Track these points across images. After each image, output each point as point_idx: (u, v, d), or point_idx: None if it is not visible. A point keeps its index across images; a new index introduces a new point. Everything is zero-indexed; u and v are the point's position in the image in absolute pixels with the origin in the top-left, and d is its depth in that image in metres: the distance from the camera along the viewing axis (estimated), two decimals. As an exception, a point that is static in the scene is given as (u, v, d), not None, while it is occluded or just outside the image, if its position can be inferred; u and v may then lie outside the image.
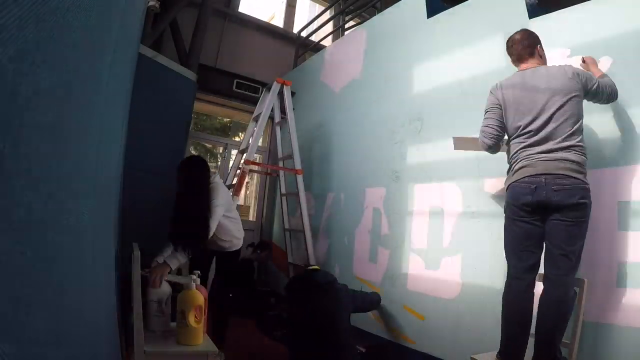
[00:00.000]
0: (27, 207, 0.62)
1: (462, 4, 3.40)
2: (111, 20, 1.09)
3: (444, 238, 3.17)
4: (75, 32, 0.76)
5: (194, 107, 5.01)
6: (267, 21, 7.41)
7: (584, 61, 2.41)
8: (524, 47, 2.35)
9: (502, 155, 2.85)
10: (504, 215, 2.33)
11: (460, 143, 2.77)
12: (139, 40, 3.08)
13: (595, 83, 2.19)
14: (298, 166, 4.36)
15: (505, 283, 2.30)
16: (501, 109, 2.32)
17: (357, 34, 4.73)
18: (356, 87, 4.45)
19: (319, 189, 4.75)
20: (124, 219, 2.76)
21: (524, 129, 2.22)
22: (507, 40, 2.44)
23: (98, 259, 1.26)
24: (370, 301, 3.25)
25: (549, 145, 2.14)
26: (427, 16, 3.68)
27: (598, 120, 2.42)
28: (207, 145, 8.76)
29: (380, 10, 4.93)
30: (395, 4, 4.14)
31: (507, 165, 2.80)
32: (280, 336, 3.53)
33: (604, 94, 2.21)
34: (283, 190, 4.91)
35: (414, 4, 3.84)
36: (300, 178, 4.34)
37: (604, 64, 2.43)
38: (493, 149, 2.39)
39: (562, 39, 2.63)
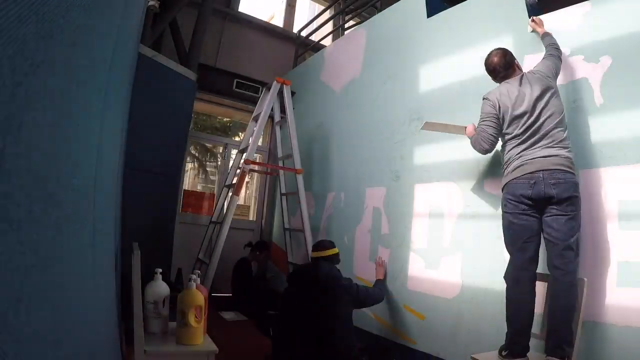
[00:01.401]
0: (27, 207, 0.62)
1: (462, 3, 3.40)
2: (111, 20, 1.09)
3: (444, 238, 3.17)
4: (75, 32, 0.76)
5: (194, 107, 5.01)
6: (267, 21, 7.41)
7: (533, 20, 2.75)
8: (506, 69, 2.55)
9: (499, 155, 2.86)
10: (503, 213, 2.43)
11: (430, 125, 3.00)
12: (139, 40, 3.08)
13: (551, 48, 2.57)
14: (298, 166, 4.36)
15: (510, 277, 2.37)
16: (497, 115, 2.46)
17: (357, 34, 4.73)
18: (356, 86, 4.45)
19: (319, 189, 4.75)
20: (124, 218, 2.76)
21: (518, 129, 2.37)
22: (486, 64, 2.63)
23: (98, 259, 1.26)
24: (374, 297, 3.23)
25: (542, 143, 2.30)
26: (427, 16, 3.68)
27: (599, 120, 2.42)
28: (207, 145, 8.76)
29: (380, 10, 4.94)
30: (395, 4, 4.14)
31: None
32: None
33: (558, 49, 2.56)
34: (283, 190, 4.91)
35: (414, 3, 3.83)
36: (300, 178, 4.34)
37: (604, 64, 2.43)
38: (489, 151, 2.57)
39: (561, 38, 2.63)
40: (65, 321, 0.85)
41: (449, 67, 3.40)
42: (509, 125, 2.42)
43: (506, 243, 2.43)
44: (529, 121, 2.34)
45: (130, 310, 1.93)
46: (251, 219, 6.42)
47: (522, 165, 2.32)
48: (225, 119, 7.75)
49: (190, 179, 9.76)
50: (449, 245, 3.13)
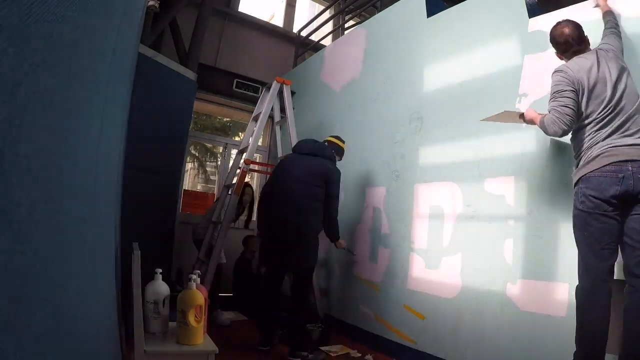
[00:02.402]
0: (27, 207, 0.62)
1: (462, 3, 3.40)
2: (111, 20, 1.09)
3: (444, 238, 3.17)
4: (75, 31, 0.76)
5: (194, 107, 5.01)
6: (267, 21, 7.41)
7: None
8: (579, 42, 2.24)
9: (501, 154, 2.86)
10: (577, 211, 2.10)
11: (498, 117, 2.52)
12: (139, 40, 3.08)
13: (613, 24, 2.28)
14: (298, 166, 4.35)
15: (585, 289, 2.05)
16: (576, 92, 2.10)
17: (357, 34, 4.73)
18: (356, 86, 4.45)
19: (319, 189, 4.74)
20: (124, 218, 2.76)
21: (599, 112, 2.05)
22: (555, 36, 2.30)
23: (98, 259, 1.26)
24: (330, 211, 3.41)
25: (626, 129, 2.00)
26: (427, 15, 3.68)
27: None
28: (207, 144, 8.76)
29: (380, 10, 4.93)
30: (395, 4, 4.14)
31: (509, 165, 2.81)
32: (281, 335, 3.53)
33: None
34: (283, 190, 4.90)
35: (414, 3, 3.84)
36: (300, 178, 4.33)
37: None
38: (567, 132, 2.13)
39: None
40: (66, 321, 0.85)
41: (449, 66, 3.40)
42: (587, 106, 2.08)
43: (581, 248, 2.09)
44: (611, 103, 2.02)
45: (130, 310, 1.93)
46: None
47: (604, 153, 1.99)
48: (225, 119, 7.74)
49: (191, 179, 9.77)
50: (449, 245, 3.13)
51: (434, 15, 3.63)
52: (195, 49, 4.99)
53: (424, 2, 3.73)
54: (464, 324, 2.92)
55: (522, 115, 2.36)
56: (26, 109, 0.59)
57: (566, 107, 2.07)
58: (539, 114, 2.25)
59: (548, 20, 2.75)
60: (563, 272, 2.44)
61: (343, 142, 3.77)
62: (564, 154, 2.54)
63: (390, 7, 4.24)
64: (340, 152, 3.72)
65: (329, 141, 3.69)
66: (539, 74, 2.72)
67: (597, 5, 2.46)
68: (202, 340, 2.05)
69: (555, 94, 2.13)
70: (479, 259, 2.91)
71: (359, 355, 3.35)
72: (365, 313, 3.73)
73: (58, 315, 0.79)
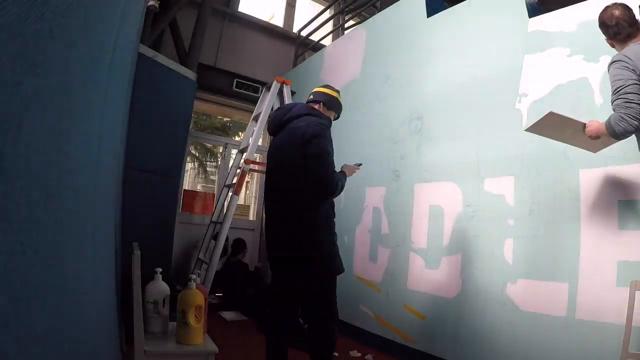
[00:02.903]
0: (27, 207, 0.62)
1: (462, 3, 3.40)
2: (111, 20, 1.09)
3: (444, 237, 3.17)
4: (74, 31, 0.76)
5: (194, 107, 5.01)
6: (267, 21, 7.41)
7: None
8: (631, 24, 2.01)
9: (501, 154, 2.86)
10: None
11: (545, 124, 2.15)
12: (139, 40, 3.08)
13: None
14: (298, 166, 4.34)
15: None
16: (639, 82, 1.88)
17: (357, 34, 4.73)
18: (356, 86, 4.45)
19: (319, 189, 4.74)
20: (124, 218, 2.76)
21: None
22: (605, 19, 2.09)
23: (98, 259, 1.26)
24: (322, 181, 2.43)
25: None
26: (427, 15, 3.68)
27: (600, 120, 2.42)
28: (207, 144, 8.76)
29: (380, 10, 4.93)
30: (395, 4, 4.14)
31: (509, 165, 2.81)
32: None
33: None
34: (283, 190, 4.89)
35: (414, 3, 3.84)
36: (300, 177, 4.33)
37: (604, 64, 2.42)
38: (638, 129, 1.89)
39: (561, 38, 2.64)
40: (65, 321, 0.85)
41: (449, 66, 3.40)
42: None
43: None
44: None
45: (130, 309, 1.93)
46: (251, 218, 6.42)
47: None
48: (225, 119, 7.75)
49: (191, 179, 9.77)
50: (449, 245, 3.13)
51: (434, 15, 3.63)
52: (195, 49, 4.99)
53: (424, 2, 3.73)
54: (464, 324, 2.92)
55: (585, 126, 2.08)
56: (26, 109, 0.59)
57: (631, 102, 1.85)
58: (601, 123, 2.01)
59: (548, 20, 2.76)
60: (563, 272, 2.44)
61: (336, 91, 2.73)
62: (563, 154, 2.54)
63: (390, 7, 4.24)
64: (332, 103, 2.68)
65: (314, 93, 2.68)
66: (539, 74, 2.73)
67: None
68: (202, 340, 2.06)
69: (617, 90, 1.91)
70: (478, 258, 2.91)
71: (359, 355, 3.35)
72: (365, 313, 3.73)
73: (58, 315, 0.79)
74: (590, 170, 2.42)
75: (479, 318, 2.83)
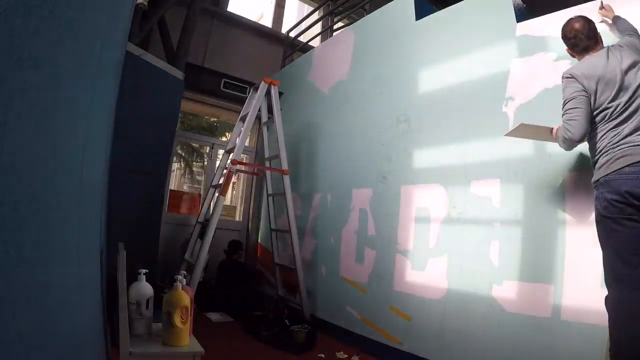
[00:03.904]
0: (11, 206, 0.61)
1: (450, 7, 3.43)
2: (99, 17, 1.07)
3: (430, 239, 3.19)
4: (62, 28, 0.75)
5: (181, 106, 4.98)
6: (256, 21, 7.39)
7: (601, 8, 2.37)
8: (589, 38, 2.15)
9: (487, 157, 2.89)
10: (600, 217, 1.98)
11: (520, 131, 2.35)
12: (127, 38, 3.05)
13: (630, 29, 2.17)
14: (285, 166, 4.34)
15: (619, 302, 1.88)
16: (586, 95, 2.02)
17: (346, 35, 4.74)
18: (344, 87, 4.46)
19: (306, 190, 4.75)
20: (109, 218, 2.73)
21: (612, 110, 1.97)
22: (565, 31, 2.22)
23: (83, 259, 1.25)
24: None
25: None
26: (415, 18, 3.71)
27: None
28: (193, 144, 8.70)
29: (369, 12, 4.95)
30: (384, 6, 4.16)
31: (495, 167, 2.84)
32: (267, 336, 3.52)
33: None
34: (269, 191, 4.89)
35: (403, 6, 3.86)
36: (286, 178, 4.33)
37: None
38: (580, 141, 2.06)
39: (549, 43, 2.67)
40: (51, 322, 0.84)
41: (437, 69, 3.43)
42: (600, 106, 2.01)
43: (607, 256, 1.94)
44: (623, 99, 1.94)
45: (115, 311, 1.91)
46: (237, 219, 6.39)
47: (623, 154, 1.89)
48: (212, 119, 7.71)
49: (177, 179, 9.69)
50: (435, 247, 3.15)
51: (422, 19, 3.66)
52: (183, 48, 4.96)
53: (413, 5, 3.75)
54: (450, 325, 2.94)
55: (551, 131, 2.26)
56: (11, 105, 0.58)
57: (575, 114, 2.02)
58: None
59: (536, 25, 2.79)
60: (548, 273, 2.47)
61: None
62: (549, 157, 2.58)
63: (379, 9, 4.25)
64: None
65: None
66: (526, 78, 2.76)
67: (602, 21, 2.38)
68: (187, 341, 2.04)
69: (566, 100, 2.08)
70: (465, 260, 2.93)
71: (345, 356, 3.35)
72: (351, 314, 3.74)
73: (43, 315, 0.78)
74: (575, 173, 2.45)
75: (465, 319, 2.85)
